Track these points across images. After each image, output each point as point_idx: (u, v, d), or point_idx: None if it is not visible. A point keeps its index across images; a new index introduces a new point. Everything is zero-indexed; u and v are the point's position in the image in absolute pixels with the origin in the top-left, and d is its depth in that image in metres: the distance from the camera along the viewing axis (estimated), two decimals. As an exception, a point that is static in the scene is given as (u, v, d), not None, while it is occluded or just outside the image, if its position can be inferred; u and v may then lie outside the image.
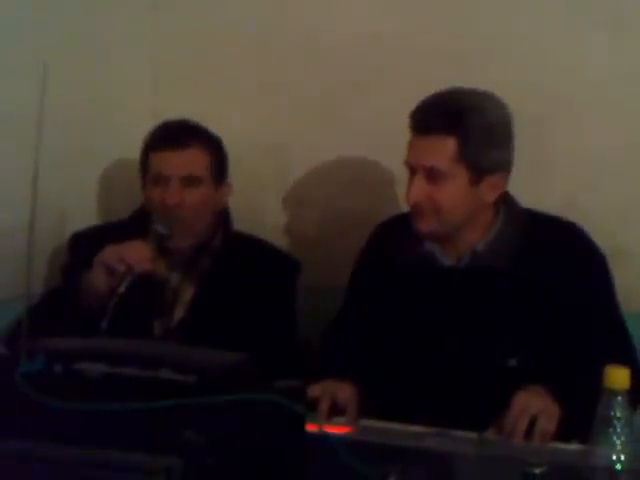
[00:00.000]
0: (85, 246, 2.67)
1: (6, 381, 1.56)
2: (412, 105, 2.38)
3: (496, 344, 2.38)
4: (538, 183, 2.80)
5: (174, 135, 2.65)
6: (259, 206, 3.03)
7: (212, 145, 2.69)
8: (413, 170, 2.38)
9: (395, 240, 2.52)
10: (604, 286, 2.43)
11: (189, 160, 2.64)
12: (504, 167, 2.41)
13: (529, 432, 2.14)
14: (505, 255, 2.40)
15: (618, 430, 1.65)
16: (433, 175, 2.35)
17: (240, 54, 3.14)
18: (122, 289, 2.42)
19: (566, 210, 2.56)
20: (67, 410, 1.51)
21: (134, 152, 2.73)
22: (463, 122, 2.34)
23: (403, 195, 2.44)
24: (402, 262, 2.48)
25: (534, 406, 2.15)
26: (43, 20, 2.82)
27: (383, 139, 2.75)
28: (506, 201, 2.47)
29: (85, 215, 2.99)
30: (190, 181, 2.62)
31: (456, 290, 2.43)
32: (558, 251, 2.41)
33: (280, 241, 2.91)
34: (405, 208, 2.49)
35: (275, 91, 3.10)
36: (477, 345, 2.39)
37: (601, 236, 2.49)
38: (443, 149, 2.34)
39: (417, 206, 2.39)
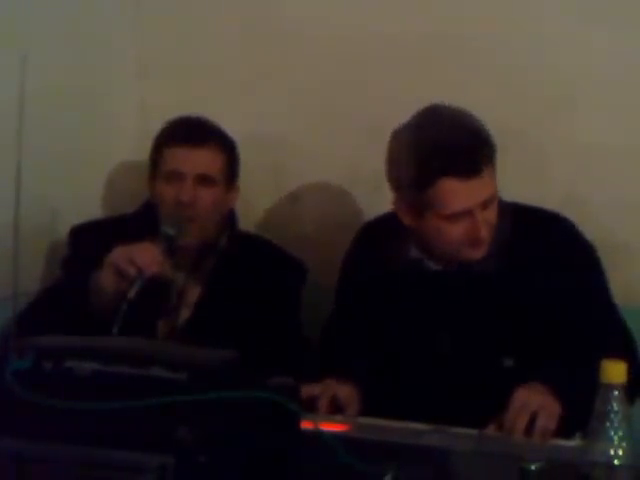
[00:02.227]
0: (86, 240, 2.65)
1: (-3, 380, 1.56)
2: (412, 98, 2.38)
3: (491, 344, 2.37)
4: (538, 179, 2.79)
5: (191, 132, 2.62)
6: (251, 202, 3.00)
7: (228, 146, 2.66)
8: (465, 211, 2.35)
9: (382, 243, 2.50)
10: (596, 277, 2.43)
11: (205, 158, 2.61)
12: None
13: (529, 429, 2.13)
14: (495, 256, 2.39)
15: (615, 425, 1.64)
16: (486, 204, 2.35)
17: (231, 44, 3.07)
18: (132, 294, 2.39)
19: (566, 206, 2.55)
20: (58, 408, 1.50)
21: (121, 146, 2.70)
22: (494, 147, 2.36)
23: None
24: (391, 265, 2.47)
25: (534, 403, 2.15)
26: (25, 10, 2.76)
27: (381, 134, 2.73)
28: None
29: (76, 211, 2.93)
30: (204, 180, 2.60)
31: (448, 291, 2.42)
32: (548, 247, 2.40)
33: (273, 238, 2.89)
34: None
35: (268, 84, 3.04)
36: (472, 346, 2.38)
37: (601, 232, 2.49)
38: (493, 179, 2.36)
39: (485, 238, 2.37)
